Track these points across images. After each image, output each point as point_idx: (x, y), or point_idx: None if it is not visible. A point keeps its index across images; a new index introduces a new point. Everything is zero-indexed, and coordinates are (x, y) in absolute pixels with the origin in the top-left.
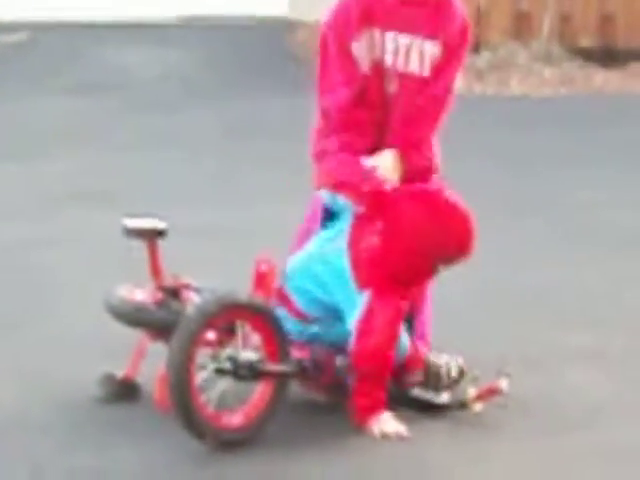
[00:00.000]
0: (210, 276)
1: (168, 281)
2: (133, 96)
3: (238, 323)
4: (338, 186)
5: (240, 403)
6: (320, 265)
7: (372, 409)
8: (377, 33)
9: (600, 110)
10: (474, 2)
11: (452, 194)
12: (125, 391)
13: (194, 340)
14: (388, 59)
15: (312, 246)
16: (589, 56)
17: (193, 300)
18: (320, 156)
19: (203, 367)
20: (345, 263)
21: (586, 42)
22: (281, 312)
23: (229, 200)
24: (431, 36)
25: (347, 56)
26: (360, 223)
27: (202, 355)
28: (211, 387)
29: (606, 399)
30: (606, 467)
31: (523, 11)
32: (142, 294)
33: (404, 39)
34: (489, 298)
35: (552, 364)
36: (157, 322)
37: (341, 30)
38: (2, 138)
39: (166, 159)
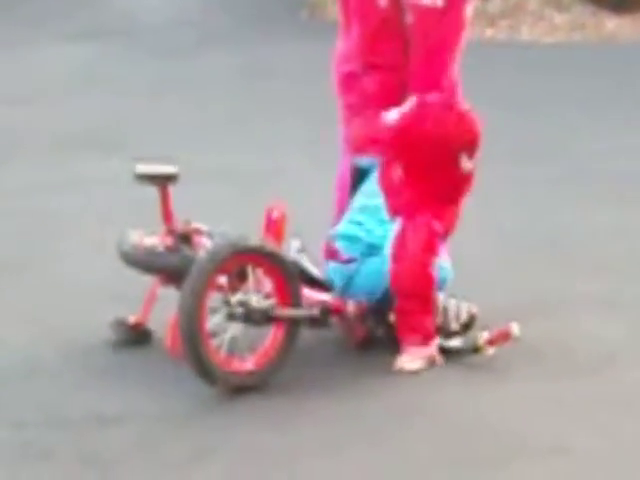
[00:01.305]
0: (221, 221)
1: (179, 226)
2: (144, 41)
3: (250, 268)
4: (361, 147)
5: (251, 348)
6: (361, 214)
7: (413, 332)
8: None
9: (611, 57)
10: None
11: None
12: (136, 336)
13: (206, 284)
14: None
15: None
16: (600, 2)
17: (204, 245)
18: (347, 80)
19: (214, 312)
20: (379, 202)
21: None
22: (331, 265)
23: (241, 145)
24: None
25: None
26: (386, 162)
27: (214, 300)
28: (222, 332)
29: (617, 345)
30: (617, 413)
31: None
32: (154, 239)
33: None
34: (500, 244)
35: (564, 310)
36: (168, 267)
37: None
38: (10, 83)
39: (178, 104)
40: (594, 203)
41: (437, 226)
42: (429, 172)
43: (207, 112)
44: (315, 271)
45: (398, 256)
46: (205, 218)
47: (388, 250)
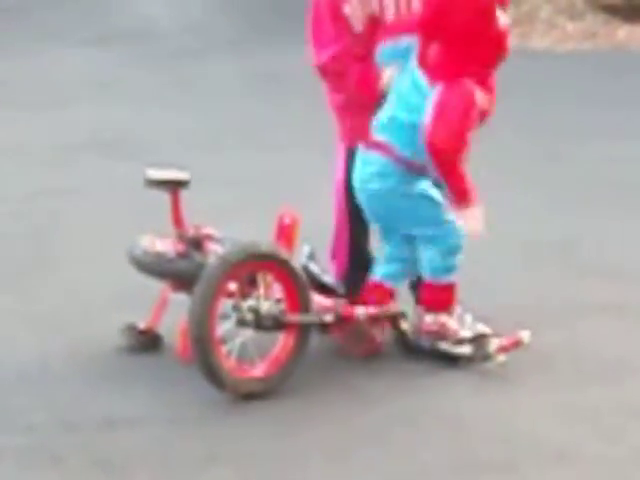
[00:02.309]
0: (231, 226)
1: (190, 232)
2: (154, 46)
3: (260, 274)
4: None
5: (262, 354)
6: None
7: (460, 198)
8: None
9: (623, 65)
10: None
11: None
12: (147, 342)
13: (216, 290)
14: (389, 14)
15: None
16: (613, 11)
17: (215, 251)
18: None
19: (225, 318)
20: (418, 78)
21: None
22: (384, 162)
23: (250, 150)
24: None
25: (338, 19)
26: (422, 41)
27: (224, 306)
28: (233, 338)
29: (626, 353)
30: (627, 421)
31: None
32: (164, 245)
33: None
34: (509, 251)
35: (574, 318)
36: (179, 272)
37: None
38: (25, 89)
39: (188, 109)
40: (606, 210)
41: (479, 95)
42: (468, 40)
43: (215, 117)
44: (325, 277)
45: (435, 118)
46: (215, 223)
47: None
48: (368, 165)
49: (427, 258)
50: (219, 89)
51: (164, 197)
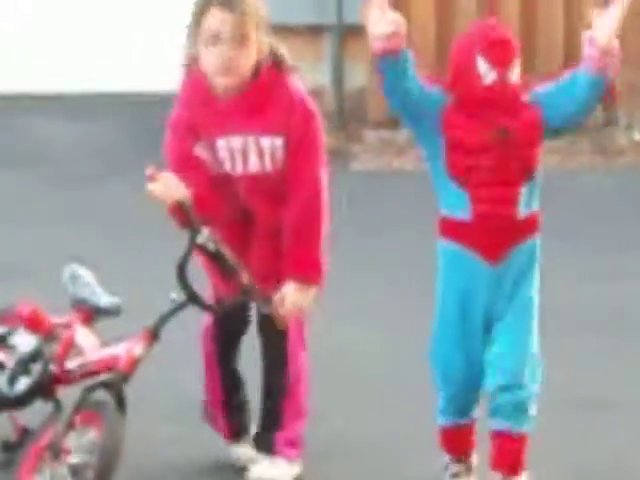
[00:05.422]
0: None
1: None
2: (48, 170)
3: None
4: None
5: None
6: None
7: None
8: (209, 142)
9: None
10: None
11: None
12: None
13: None
14: (226, 165)
15: None
16: None
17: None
18: None
19: None
20: None
21: None
22: None
23: (147, 278)
24: (268, 131)
25: (191, 160)
26: None
27: None
28: None
29: None
30: None
31: None
32: None
33: (236, 141)
34: None
35: None
36: None
37: (180, 139)
38: None
39: (79, 233)
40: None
41: None
42: None
43: (109, 241)
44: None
45: None
46: None
47: None
48: None
49: None
50: (115, 214)
51: None
